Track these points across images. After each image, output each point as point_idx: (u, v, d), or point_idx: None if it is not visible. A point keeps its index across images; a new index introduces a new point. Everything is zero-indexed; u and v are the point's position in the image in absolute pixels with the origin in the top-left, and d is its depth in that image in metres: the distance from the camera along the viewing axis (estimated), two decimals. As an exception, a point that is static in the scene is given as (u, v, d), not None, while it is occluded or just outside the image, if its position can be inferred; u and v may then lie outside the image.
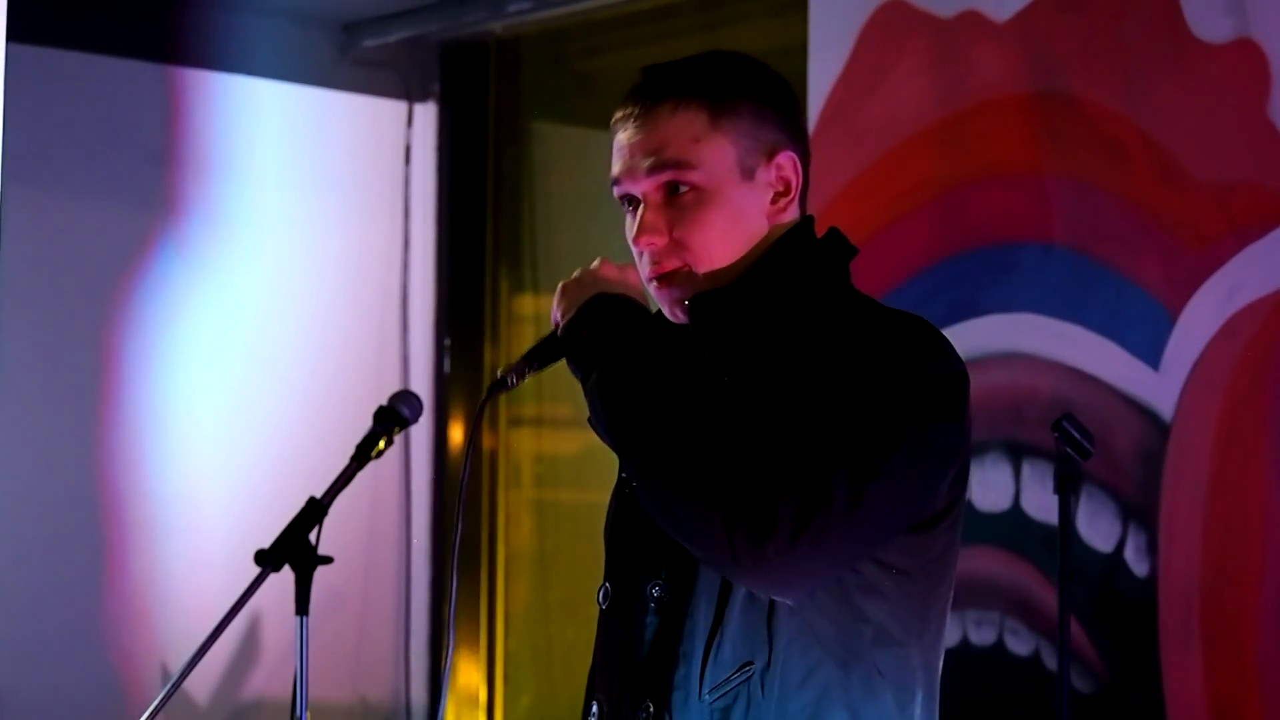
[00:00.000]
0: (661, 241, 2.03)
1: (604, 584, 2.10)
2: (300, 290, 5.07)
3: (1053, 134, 3.81)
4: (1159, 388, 3.60)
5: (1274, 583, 3.42)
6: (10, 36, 3.98)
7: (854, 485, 1.85)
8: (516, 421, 5.34)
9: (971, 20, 3.95)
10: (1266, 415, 3.46)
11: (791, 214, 2.07)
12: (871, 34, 4.13)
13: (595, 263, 2.08)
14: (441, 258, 5.32)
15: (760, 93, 2.07)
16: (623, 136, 2.07)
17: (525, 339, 5.35)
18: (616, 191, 2.09)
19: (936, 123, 4.01)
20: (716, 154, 2.03)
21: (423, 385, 5.21)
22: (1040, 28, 3.84)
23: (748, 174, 2.04)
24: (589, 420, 2.09)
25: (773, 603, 1.94)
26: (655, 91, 2.06)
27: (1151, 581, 3.60)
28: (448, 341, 5.31)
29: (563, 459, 5.34)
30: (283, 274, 5.04)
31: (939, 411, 1.93)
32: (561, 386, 5.34)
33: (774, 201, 2.06)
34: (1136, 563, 3.63)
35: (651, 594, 2.01)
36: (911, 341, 1.95)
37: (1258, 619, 3.44)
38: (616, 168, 2.08)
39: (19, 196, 4.37)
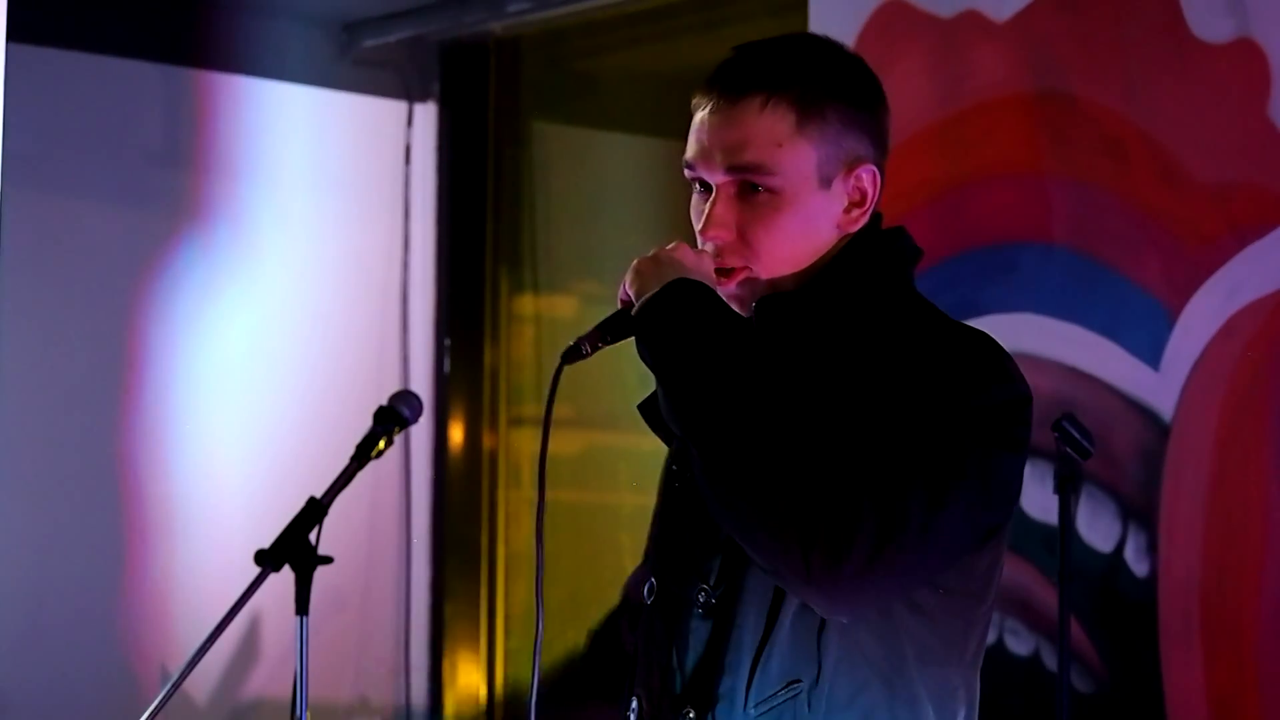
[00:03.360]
0: (729, 237, 1.99)
1: (649, 579, 2.06)
2: (300, 290, 5.07)
3: (1053, 134, 3.81)
4: (1159, 388, 3.60)
5: (1274, 583, 3.42)
6: (10, 36, 3.98)
7: (929, 511, 1.83)
8: (516, 421, 5.34)
9: (971, 20, 3.95)
10: (1266, 415, 3.46)
11: (862, 223, 2.04)
12: (871, 34, 4.13)
13: (672, 245, 2.00)
14: (441, 258, 5.31)
15: (852, 97, 2.02)
16: (704, 118, 2.00)
17: (525, 339, 5.35)
18: (688, 174, 2.03)
19: (936, 123, 4.01)
20: (798, 160, 1.98)
21: (423, 385, 5.21)
22: (1040, 28, 3.84)
23: (825, 182, 2.00)
24: (655, 409, 2.03)
25: (824, 621, 1.91)
26: (746, 81, 1.99)
27: (1151, 581, 3.59)
28: (448, 341, 5.31)
29: (563, 459, 5.34)
30: (282, 274, 5.04)
31: (1006, 440, 1.91)
32: (562, 386, 5.33)
33: (847, 211, 2.02)
34: (1136, 563, 3.63)
35: (698, 598, 1.98)
36: (982, 363, 1.93)
37: (1258, 619, 3.44)
38: (693, 150, 2.01)
39: (19, 198, 4.37)
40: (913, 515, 1.82)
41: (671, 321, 1.93)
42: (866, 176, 2.02)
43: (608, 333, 2.02)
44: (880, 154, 2.04)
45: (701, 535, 1.99)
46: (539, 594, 2.08)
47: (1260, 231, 3.48)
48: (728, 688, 1.94)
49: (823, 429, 1.86)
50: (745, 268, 1.99)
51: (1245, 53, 3.52)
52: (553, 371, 2.10)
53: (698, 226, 2.03)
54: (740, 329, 1.93)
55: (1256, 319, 3.48)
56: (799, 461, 1.83)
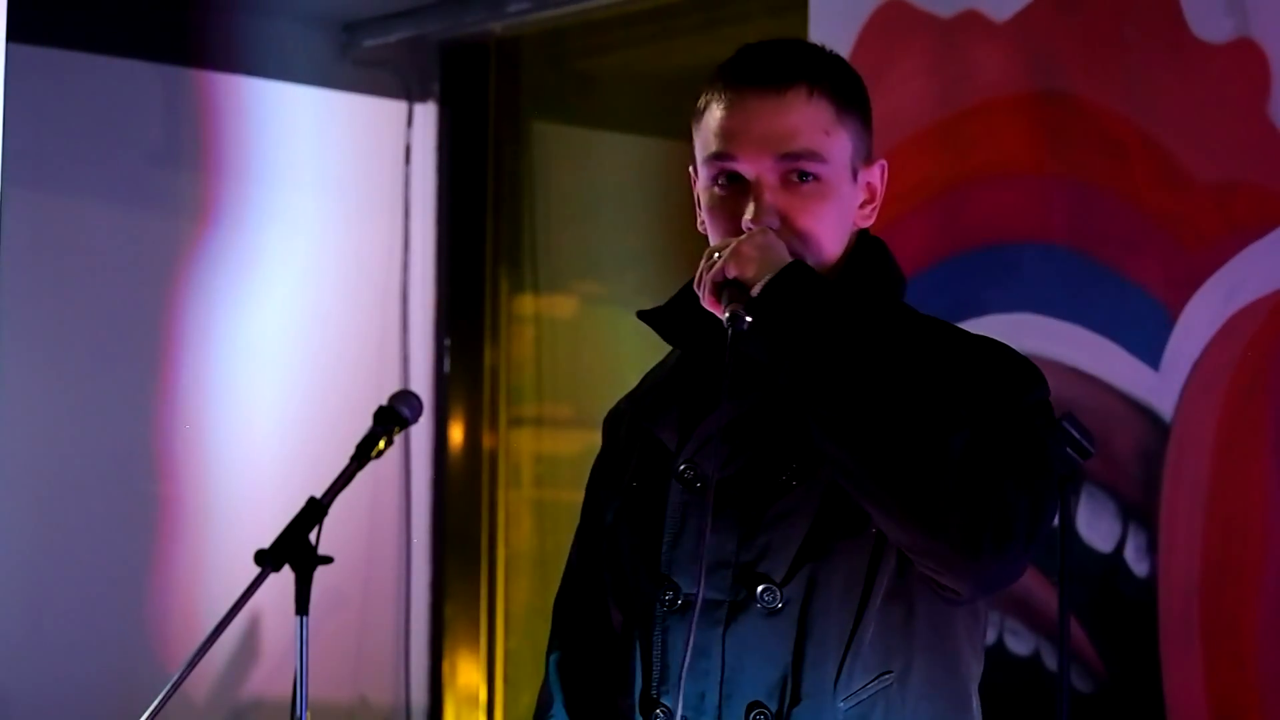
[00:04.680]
0: (777, 225, 1.99)
1: (668, 583, 2.01)
2: (300, 290, 5.07)
3: (1053, 134, 3.81)
4: (1159, 388, 3.60)
5: (1274, 583, 3.42)
6: (10, 36, 3.98)
7: (1049, 490, 1.91)
8: (516, 421, 5.34)
9: (971, 20, 3.95)
10: (1266, 415, 3.46)
11: (872, 220, 2.09)
12: (871, 34, 4.13)
13: (759, 230, 1.98)
14: (441, 258, 5.32)
15: (864, 98, 2.08)
16: (737, 113, 2.01)
17: (525, 339, 5.35)
18: (718, 166, 2.02)
19: (936, 123, 4.01)
20: (841, 149, 2.02)
21: (423, 385, 5.21)
22: (1040, 28, 3.84)
23: (853, 175, 2.05)
24: (782, 381, 2.01)
25: (912, 609, 1.94)
26: (789, 72, 2.01)
27: (1151, 581, 3.59)
28: (448, 341, 5.31)
29: (563, 459, 5.34)
30: (283, 274, 5.04)
31: (1053, 432, 2.02)
32: (561, 386, 5.34)
33: (861, 206, 2.07)
34: (1136, 563, 3.63)
35: (764, 598, 1.95)
36: (1022, 363, 2.02)
37: (1258, 619, 3.44)
38: (727, 145, 2.01)
39: (19, 198, 4.37)
40: (1042, 493, 1.88)
41: (807, 304, 1.91)
42: (878, 171, 2.07)
43: (744, 309, 1.94)
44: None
45: (744, 535, 1.97)
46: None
47: (1260, 231, 3.48)
48: (813, 684, 1.93)
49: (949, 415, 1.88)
50: (794, 254, 1.99)
51: (1245, 53, 3.52)
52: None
53: (718, 223, 2.02)
54: (856, 312, 1.93)
55: (1256, 319, 3.48)
56: (947, 444, 1.84)
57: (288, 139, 5.07)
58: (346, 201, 5.18)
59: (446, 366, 5.31)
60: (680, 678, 1.94)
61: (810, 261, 1.99)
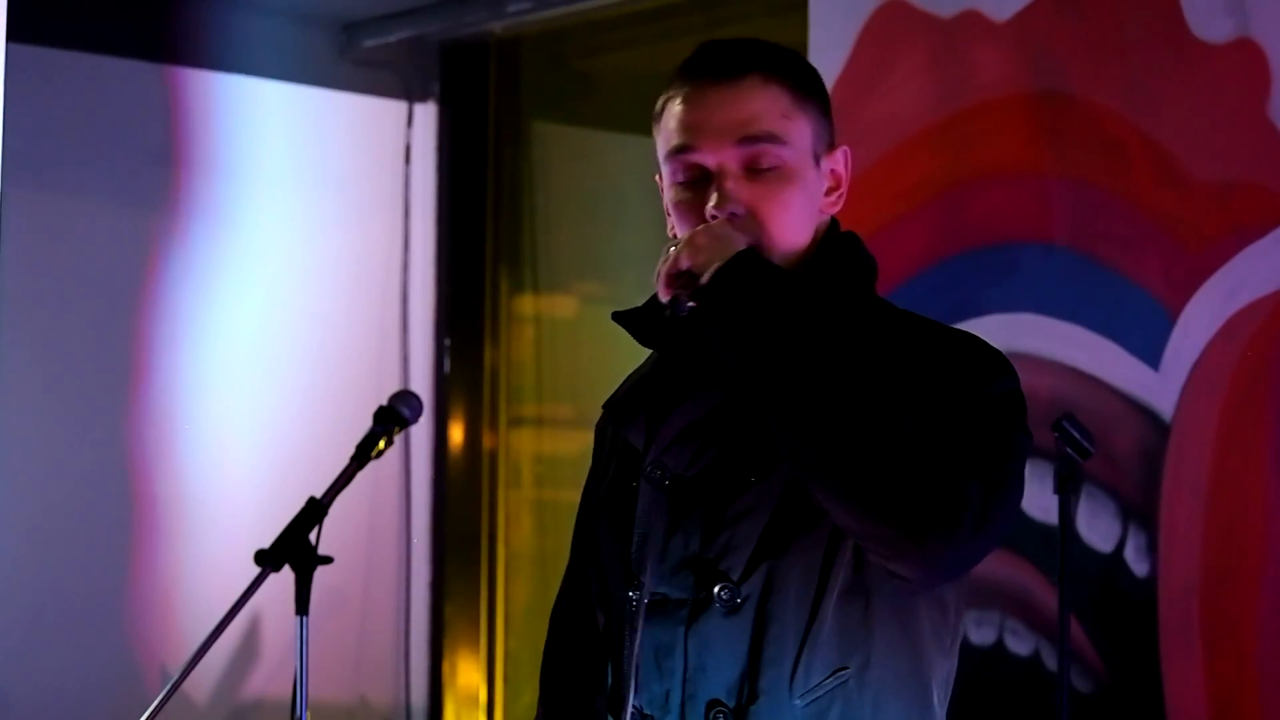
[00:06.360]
0: (742, 213, 1.99)
1: (638, 582, 2.02)
2: (300, 290, 5.07)
3: (1053, 134, 3.81)
4: (1159, 388, 3.60)
5: (1274, 583, 3.42)
6: (10, 36, 3.98)
7: (1011, 479, 1.90)
8: (516, 421, 5.34)
9: (971, 20, 3.96)
10: (1266, 415, 3.46)
11: (839, 207, 2.09)
12: (871, 34, 4.13)
13: (716, 222, 1.99)
14: (441, 258, 5.32)
15: (823, 89, 2.09)
16: (695, 106, 2.01)
17: (525, 339, 5.35)
18: (680, 160, 2.02)
19: (936, 123, 4.01)
20: (801, 132, 2.02)
21: (423, 385, 5.21)
22: (1040, 28, 3.84)
23: (816, 160, 2.04)
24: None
25: (868, 606, 1.93)
26: (742, 62, 2.02)
27: (1151, 581, 3.60)
28: (448, 341, 5.31)
29: (563, 459, 5.34)
30: (283, 274, 5.04)
31: (1023, 425, 1.98)
32: (561, 386, 5.34)
33: (827, 194, 2.07)
34: (1136, 563, 3.63)
35: (721, 596, 1.96)
36: (991, 355, 1.99)
37: (1258, 619, 3.44)
38: (687, 138, 2.01)
39: (19, 197, 4.37)
40: (998, 481, 1.87)
41: (757, 290, 1.91)
42: (841, 157, 2.08)
43: (688, 295, 1.95)
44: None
45: (707, 534, 1.98)
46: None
47: (1260, 231, 3.48)
48: (770, 682, 1.94)
49: (902, 401, 1.88)
50: (756, 241, 1.99)
51: (1245, 53, 3.52)
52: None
53: (684, 218, 2.02)
54: (813, 299, 1.93)
55: (1256, 319, 3.48)
56: (897, 428, 1.83)
57: (288, 139, 5.08)
58: (346, 201, 5.18)
59: (446, 366, 5.31)
60: (641, 677, 1.97)
61: (777, 249, 1.99)
